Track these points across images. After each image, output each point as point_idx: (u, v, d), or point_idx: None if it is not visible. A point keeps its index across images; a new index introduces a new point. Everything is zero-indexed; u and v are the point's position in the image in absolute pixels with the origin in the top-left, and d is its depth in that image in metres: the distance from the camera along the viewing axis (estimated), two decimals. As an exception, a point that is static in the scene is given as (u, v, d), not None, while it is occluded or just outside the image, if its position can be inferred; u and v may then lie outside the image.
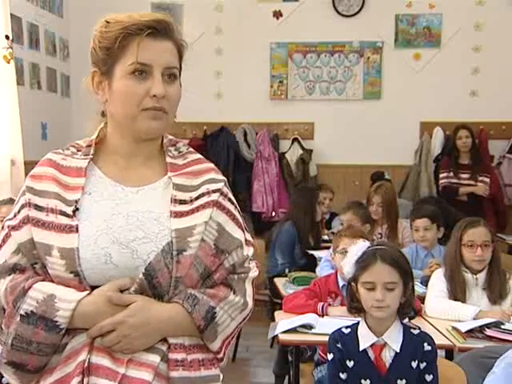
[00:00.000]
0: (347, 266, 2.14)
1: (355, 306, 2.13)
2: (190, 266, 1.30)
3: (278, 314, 2.95)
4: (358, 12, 5.93)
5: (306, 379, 2.93)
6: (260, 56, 5.99)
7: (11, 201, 3.50)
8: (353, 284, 2.12)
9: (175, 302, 1.30)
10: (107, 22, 1.35)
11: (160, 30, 1.34)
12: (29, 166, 4.67)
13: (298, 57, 6.03)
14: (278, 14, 6.01)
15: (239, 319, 1.39)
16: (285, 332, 2.62)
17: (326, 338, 2.24)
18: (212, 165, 1.46)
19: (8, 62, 4.31)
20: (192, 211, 1.35)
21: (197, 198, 1.37)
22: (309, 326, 2.63)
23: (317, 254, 4.22)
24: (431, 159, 5.83)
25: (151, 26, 1.33)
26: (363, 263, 2.08)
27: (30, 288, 1.27)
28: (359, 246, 2.14)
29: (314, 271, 3.86)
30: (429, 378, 2.02)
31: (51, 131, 5.52)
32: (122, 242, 1.30)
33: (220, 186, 1.41)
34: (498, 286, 2.91)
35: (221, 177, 1.44)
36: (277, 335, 2.63)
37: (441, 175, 5.43)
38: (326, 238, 4.79)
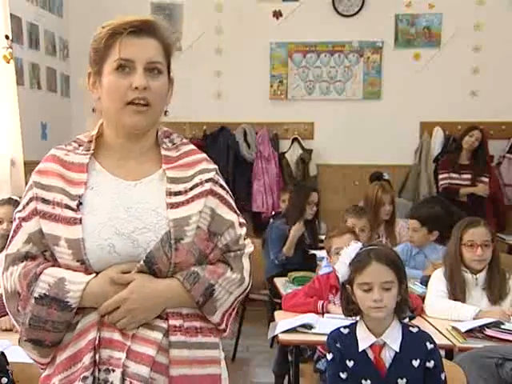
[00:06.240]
0: (341, 269, 2.11)
1: (351, 309, 2.11)
2: (188, 252, 1.41)
3: (277, 313, 2.95)
4: (357, 12, 5.93)
5: (305, 379, 2.93)
6: (260, 56, 5.99)
7: (10, 200, 3.49)
8: (347, 286, 2.10)
9: (176, 278, 1.40)
10: (102, 28, 1.46)
11: (143, 28, 1.43)
12: (29, 165, 4.66)
13: (297, 57, 6.03)
14: (277, 14, 6.00)
15: (237, 293, 1.49)
16: (285, 332, 2.62)
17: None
18: (204, 155, 1.55)
19: (8, 62, 4.31)
20: (187, 201, 1.44)
21: (191, 189, 1.46)
22: (309, 326, 2.63)
23: (317, 253, 4.21)
24: (431, 159, 5.83)
25: (134, 25, 1.42)
26: (358, 264, 2.05)
27: (41, 273, 1.38)
28: (351, 248, 2.11)
29: (314, 271, 3.86)
30: (442, 376, 2.02)
31: (51, 131, 5.52)
32: (123, 233, 1.40)
33: (211, 175, 1.50)
34: (497, 285, 2.91)
35: (212, 166, 1.53)
36: (277, 335, 2.63)
37: (440, 176, 5.42)
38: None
